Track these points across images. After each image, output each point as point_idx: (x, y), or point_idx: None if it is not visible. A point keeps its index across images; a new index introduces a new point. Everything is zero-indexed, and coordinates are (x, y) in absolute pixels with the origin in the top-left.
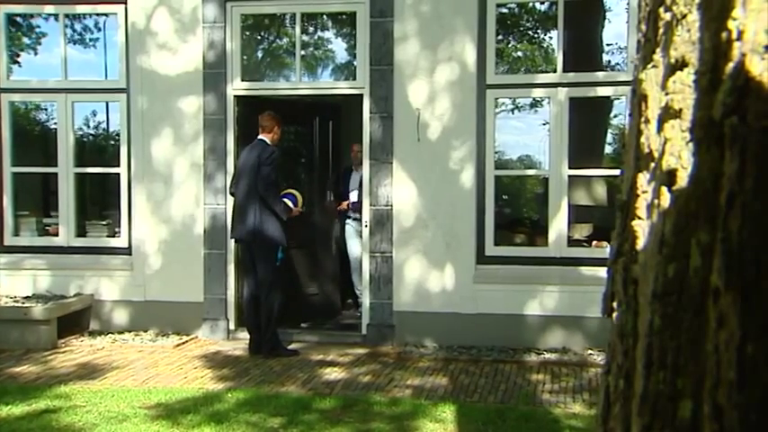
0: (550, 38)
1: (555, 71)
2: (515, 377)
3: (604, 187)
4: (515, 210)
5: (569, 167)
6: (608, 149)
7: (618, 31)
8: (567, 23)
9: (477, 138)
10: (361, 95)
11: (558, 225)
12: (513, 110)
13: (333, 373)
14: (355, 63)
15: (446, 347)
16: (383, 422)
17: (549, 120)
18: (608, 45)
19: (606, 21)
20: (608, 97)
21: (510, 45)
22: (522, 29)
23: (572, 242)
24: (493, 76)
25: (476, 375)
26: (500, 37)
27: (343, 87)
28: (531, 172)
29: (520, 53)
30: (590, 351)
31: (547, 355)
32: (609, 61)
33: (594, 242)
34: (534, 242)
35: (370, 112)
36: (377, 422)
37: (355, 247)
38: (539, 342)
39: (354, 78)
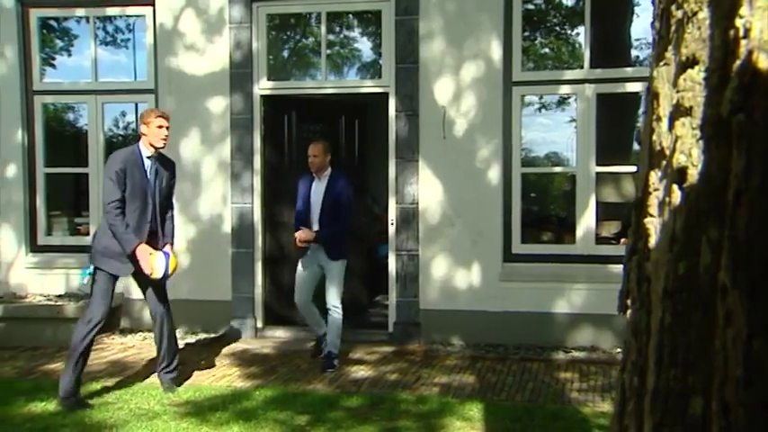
0: (577, 34)
1: (582, 67)
2: (543, 375)
3: (632, 184)
4: (542, 207)
5: (597, 164)
6: (636, 146)
7: (646, 25)
8: (594, 19)
9: (504, 135)
10: (386, 94)
11: (586, 222)
12: (539, 107)
13: (360, 371)
14: (380, 61)
15: (473, 345)
16: (410, 420)
17: (577, 116)
18: (636, 40)
19: (634, 15)
20: (636, 93)
21: (536, 41)
22: (548, 25)
23: (600, 239)
24: (519, 72)
25: (503, 373)
26: (526, 33)
27: (369, 86)
28: (558, 169)
29: (546, 49)
30: (619, 349)
31: (575, 354)
32: (637, 56)
33: (623, 239)
34: (561, 240)
35: (396, 111)
36: (404, 420)
37: (307, 284)
38: (567, 340)
39: (380, 77)
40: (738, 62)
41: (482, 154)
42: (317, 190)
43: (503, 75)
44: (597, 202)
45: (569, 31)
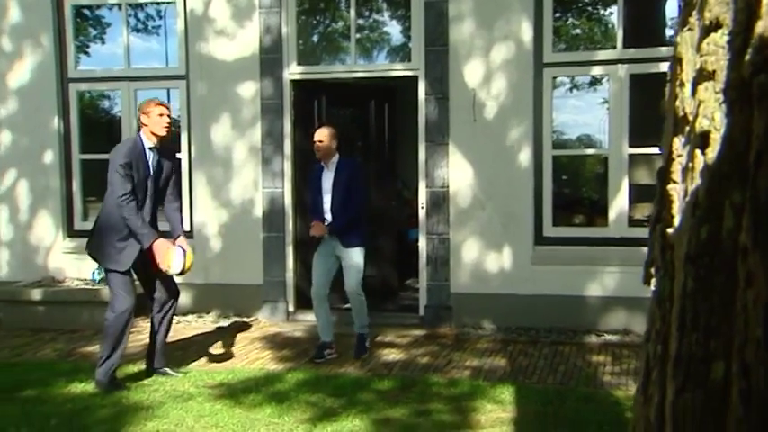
0: (610, 13)
1: (615, 47)
2: (575, 359)
3: None
4: (574, 190)
5: (630, 146)
6: None
7: None
8: None
9: (534, 117)
10: (416, 77)
11: (619, 205)
12: (571, 88)
13: (391, 355)
14: (410, 45)
15: (504, 329)
16: (441, 403)
17: (609, 98)
18: (671, 19)
19: None
20: None
21: (568, 22)
22: (580, 4)
23: (633, 222)
24: (550, 54)
25: (534, 357)
26: (557, 14)
27: (399, 69)
28: (590, 151)
29: (578, 30)
30: None
31: (607, 337)
32: (672, 36)
33: None
34: (594, 222)
35: (426, 94)
36: (435, 403)
37: (323, 275)
38: (599, 323)
39: (409, 60)
40: (760, 23)
41: (513, 137)
42: (327, 178)
43: (533, 56)
44: (630, 185)
45: (602, 11)
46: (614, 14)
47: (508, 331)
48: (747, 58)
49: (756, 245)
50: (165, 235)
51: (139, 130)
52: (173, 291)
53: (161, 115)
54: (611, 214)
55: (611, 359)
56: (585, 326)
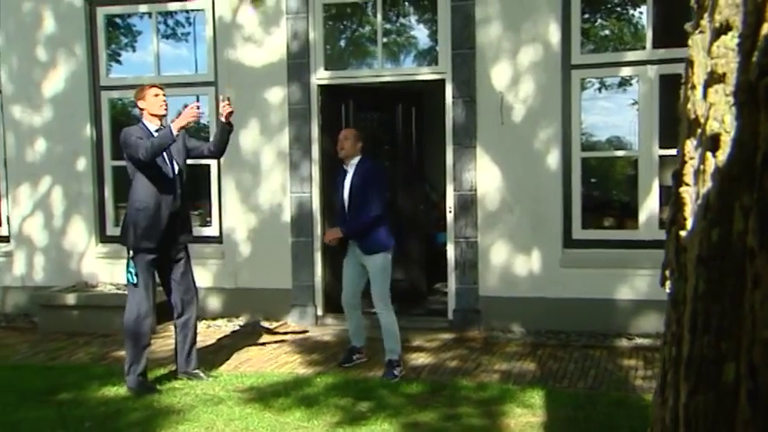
0: (640, 13)
1: (644, 48)
2: (606, 363)
3: None
4: (604, 192)
5: (660, 147)
6: None
7: None
8: None
9: (563, 120)
10: (443, 80)
11: (649, 207)
12: (600, 89)
13: (419, 358)
14: (437, 48)
15: (533, 332)
16: (471, 407)
17: (639, 99)
18: None
19: None
20: None
21: (596, 23)
22: (608, 5)
23: (664, 224)
24: (578, 55)
25: (564, 361)
26: (585, 15)
27: (426, 73)
28: (619, 153)
29: (606, 31)
30: None
31: (639, 341)
32: None
33: None
34: (624, 225)
35: (453, 97)
36: (464, 407)
37: (351, 284)
38: (630, 327)
39: (436, 63)
40: (767, 25)
41: (541, 139)
42: (347, 180)
43: (561, 58)
44: (660, 186)
45: (631, 11)
46: (644, 15)
47: (537, 335)
48: (754, 60)
49: (763, 247)
50: (197, 240)
51: (141, 120)
52: (192, 293)
53: (156, 95)
54: (642, 216)
55: (642, 363)
56: (616, 329)
